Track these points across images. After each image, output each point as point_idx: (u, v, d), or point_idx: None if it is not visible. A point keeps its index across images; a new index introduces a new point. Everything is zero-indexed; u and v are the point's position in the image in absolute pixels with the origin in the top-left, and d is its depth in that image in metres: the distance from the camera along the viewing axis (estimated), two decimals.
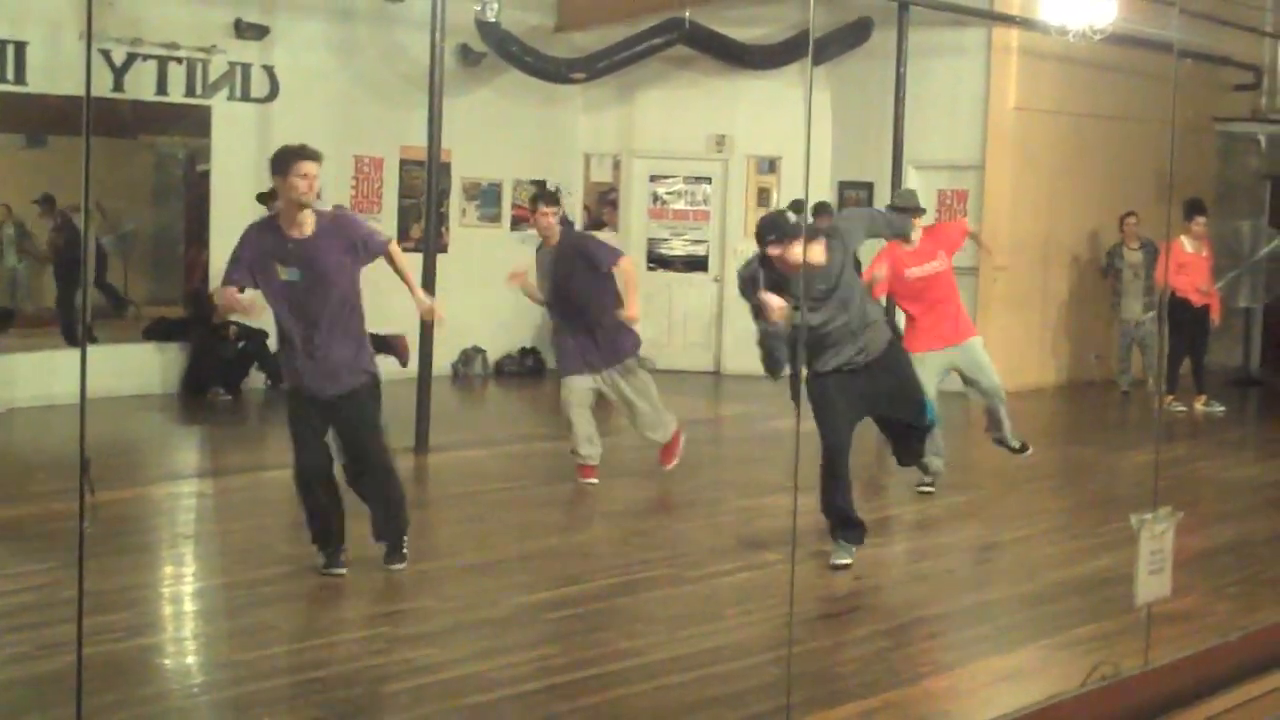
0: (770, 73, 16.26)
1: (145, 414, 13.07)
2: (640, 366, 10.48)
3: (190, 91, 14.03)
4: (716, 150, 17.15)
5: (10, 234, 16.26)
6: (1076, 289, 16.97)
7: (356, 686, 6.13)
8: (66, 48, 12.55)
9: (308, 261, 7.42)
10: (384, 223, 15.03)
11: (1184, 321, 14.83)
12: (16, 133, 15.02)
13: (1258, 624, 6.83)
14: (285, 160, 7.34)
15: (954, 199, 16.02)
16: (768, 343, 8.02)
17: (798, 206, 13.19)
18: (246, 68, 14.33)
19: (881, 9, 15.63)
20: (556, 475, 10.67)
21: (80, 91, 4.21)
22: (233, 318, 13.86)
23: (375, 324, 8.07)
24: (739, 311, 16.44)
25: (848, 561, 8.12)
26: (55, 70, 12.59)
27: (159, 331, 14.50)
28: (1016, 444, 10.58)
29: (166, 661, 6.47)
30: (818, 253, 7.89)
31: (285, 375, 7.80)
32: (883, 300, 10.18)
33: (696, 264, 17.35)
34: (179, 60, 13.86)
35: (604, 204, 17.38)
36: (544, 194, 10.86)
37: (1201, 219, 15.09)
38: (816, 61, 15.98)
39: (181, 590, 7.74)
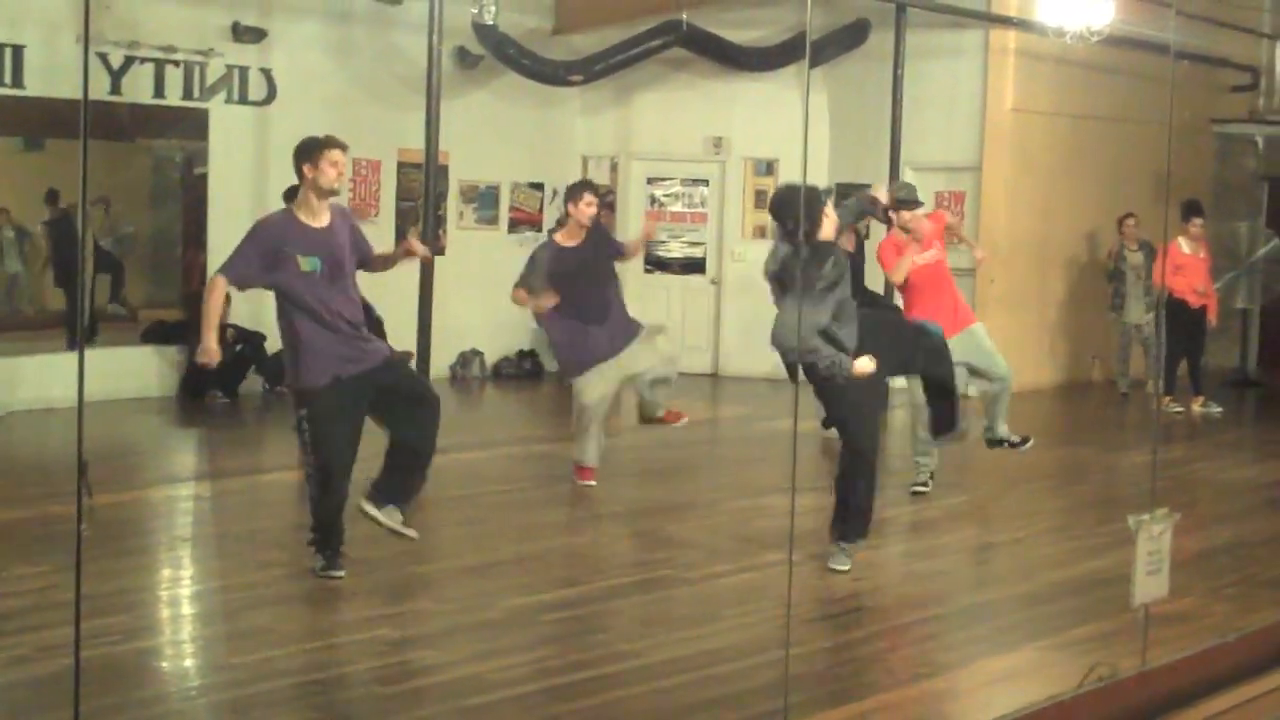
0: (767, 75, 16.26)
1: (143, 417, 13.08)
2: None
3: (188, 94, 14.03)
4: (714, 152, 17.16)
5: (10, 236, 16.24)
6: (1074, 290, 16.98)
7: (355, 688, 6.14)
8: (64, 50, 12.54)
9: (329, 251, 7.51)
10: (382, 225, 15.04)
11: (1181, 323, 14.82)
12: (14, 136, 14.98)
13: (1255, 625, 6.84)
14: (315, 149, 7.49)
15: (951, 200, 16.02)
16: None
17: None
18: (244, 70, 14.33)
19: (879, 11, 15.63)
20: (554, 477, 10.68)
21: (78, 94, 4.20)
22: (231, 320, 13.89)
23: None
24: (737, 313, 16.59)
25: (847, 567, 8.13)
26: (53, 73, 12.58)
27: (157, 334, 14.50)
28: (1016, 438, 10.51)
29: (164, 664, 6.47)
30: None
31: (303, 375, 7.52)
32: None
33: (694, 266, 17.36)
34: (176, 63, 13.86)
35: (601, 206, 17.34)
36: (588, 184, 10.83)
37: (1199, 220, 15.09)
38: (814, 63, 16.00)
39: (179, 593, 7.73)
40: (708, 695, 6.05)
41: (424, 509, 10.05)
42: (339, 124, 15.06)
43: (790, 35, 16.26)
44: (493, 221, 16.73)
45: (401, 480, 7.79)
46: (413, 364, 11.78)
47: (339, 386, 7.48)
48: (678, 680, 6.22)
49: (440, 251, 13.93)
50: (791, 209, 7.72)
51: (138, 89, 13.62)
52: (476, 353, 16.44)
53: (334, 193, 7.57)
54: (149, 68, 13.68)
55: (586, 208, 10.26)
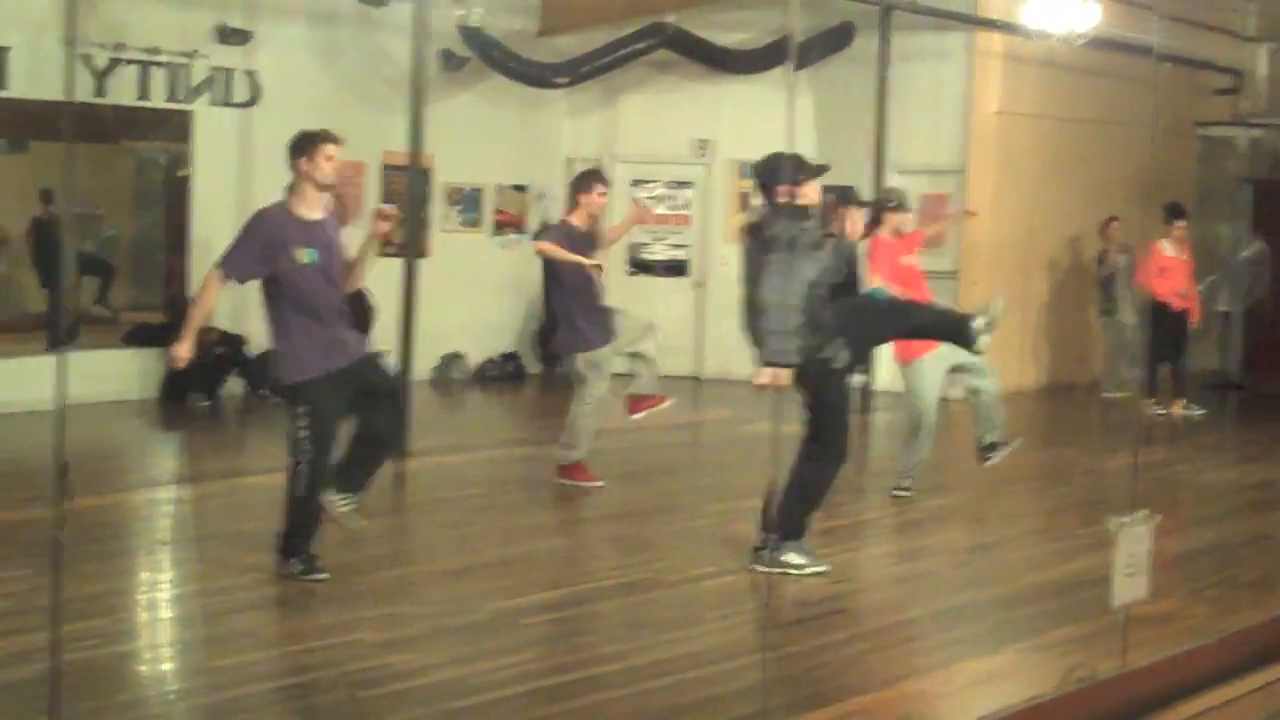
0: (753, 77, 16.27)
1: (124, 420, 13.05)
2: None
3: (172, 96, 14.00)
4: (699, 155, 17.17)
5: None
6: (1057, 292, 17.02)
7: (336, 692, 6.13)
8: (48, 52, 12.49)
9: (324, 243, 7.58)
10: (366, 228, 14.97)
11: (1164, 325, 14.86)
12: None
13: (1235, 626, 6.86)
14: (310, 143, 7.55)
15: (936, 203, 16.04)
16: None
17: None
18: (229, 73, 14.31)
19: (864, 13, 15.64)
20: (537, 480, 10.67)
21: (62, 96, 4.21)
22: (212, 323, 13.85)
23: None
24: (720, 316, 16.58)
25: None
26: (37, 75, 12.55)
27: (139, 337, 14.47)
28: (1013, 442, 10.46)
29: (144, 668, 6.47)
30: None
31: (297, 369, 7.49)
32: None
33: (677, 269, 17.36)
34: (161, 65, 13.83)
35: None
36: (597, 173, 10.77)
37: (1182, 223, 15.13)
38: (799, 66, 15.99)
39: (159, 596, 7.72)
40: (689, 698, 6.05)
41: (406, 512, 10.08)
42: (323, 126, 15.01)
43: (775, 38, 16.26)
44: (477, 224, 16.72)
45: (361, 470, 7.79)
46: (394, 363, 11.83)
47: (330, 379, 7.50)
48: (660, 683, 6.22)
49: (424, 254, 13.91)
50: (776, 173, 7.83)
51: (122, 91, 13.59)
52: (459, 355, 16.42)
53: (330, 186, 7.63)
54: (133, 69, 13.64)
55: (599, 196, 10.31)
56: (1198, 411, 15.00)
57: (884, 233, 10.22)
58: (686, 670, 6.40)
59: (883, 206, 10.36)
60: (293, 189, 7.63)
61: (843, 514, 9.67)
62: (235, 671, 6.23)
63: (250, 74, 14.43)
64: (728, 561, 8.29)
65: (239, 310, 13.08)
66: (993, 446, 10.36)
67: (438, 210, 16.20)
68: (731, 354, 14.09)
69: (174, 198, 15.07)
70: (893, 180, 15.28)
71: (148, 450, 12.52)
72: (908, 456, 10.36)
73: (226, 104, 14.33)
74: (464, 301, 16.10)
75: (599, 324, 10.19)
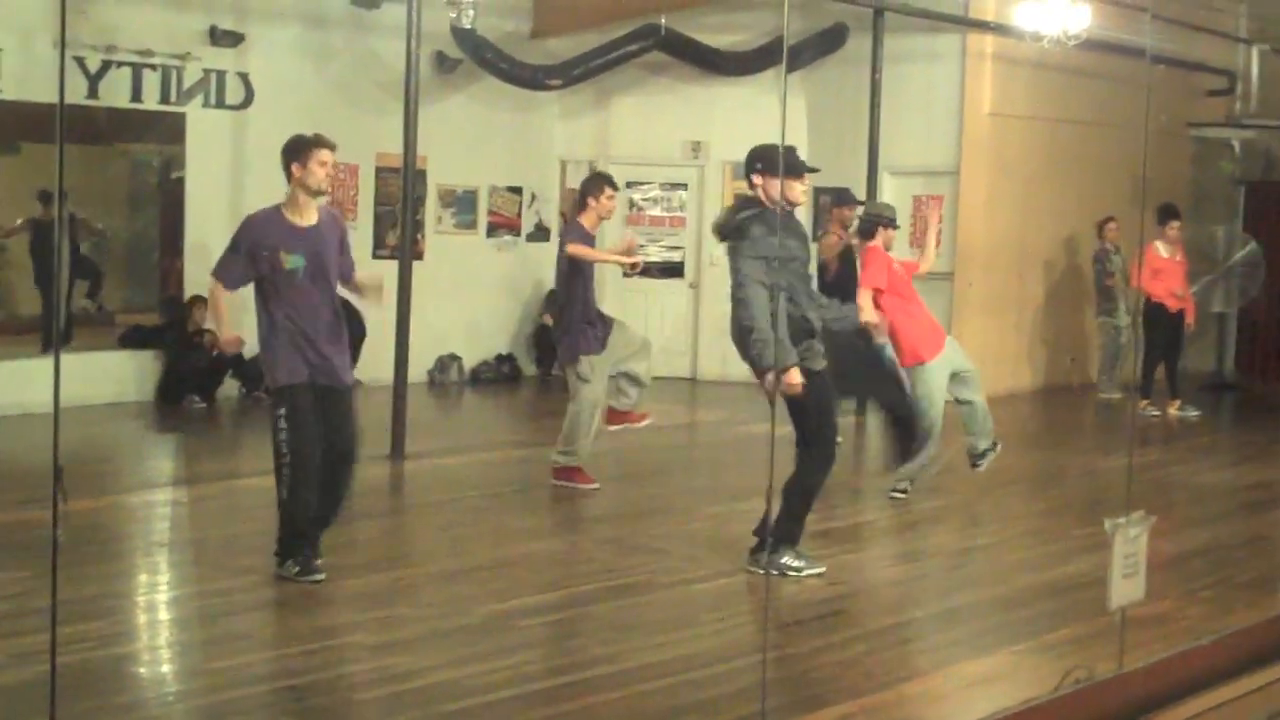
0: (746, 79, 16.28)
1: (120, 422, 13.03)
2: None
3: (165, 98, 13.99)
4: (692, 156, 17.18)
5: None
6: (1052, 293, 17.04)
7: (332, 694, 6.13)
8: (40, 54, 12.51)
9: (314, 251, 7.53)
10: (360, 230, 15.01)
11: (1160, 326, 14.86)
12: None
13: (1231, 627, 6.88)
14: (304, 148, 7.51)
15: (929, 204, 16.05)
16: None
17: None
18: (221, 75, 14.30)
19: (857, 15, 15.67)
20: (533, 482, 10.66)
21: (54, 98, 4.19)
22: (207, 325, 13.84)
23: None
24: (715, 318, 16.57)
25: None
26: (29, 77, 12.53)
27: (134, 339, 14.45)
28: (997, 445, 10.54)
29: (141, 670, 6.45)
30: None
31: (282, 371, 7.51)
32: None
33: (672, 270, 17.36)
34: (154, 67, 13.82)
35: (575, 208, 17.35)
36: (605, 176, 10.74)
37: (1176, 223, 15.14)
38: (791, 68, 16.00)
39: (156, 598, 7.71)
40: (685, 700, 6.05)
41: (401, 514, 10.08)
42: (316, 128, 14.83)
43: (768, 39, 16.27)
44: (471, 226, 16.72)
45: (330, 510, 7.76)
46: (388, 366, 11.83)
47: (311, 388, 7.49)
48: (655, 685, 6.22)
49: (418, 256, 13.93)
50: (767, 162, 7.93)
51: (114, 93, 13.59)
52: (455, 357, 16.42)
53: (322, 193, 7.60)
54: (126, 71, 13.64)
55: (608, 200, 10.31)
56: (1193, 413, 15.02)
57: (877, 243, 10.32)
58: (683, 672, 6.39)
59: (880, 222, 10.42)
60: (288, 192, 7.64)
61: (840, 516, 9.68)
62: (232, 673, 6.23)
63: (243, 76, 14.43)
64: (724, 563, 8.29)
65: (235, 313, 13.03)
66: (984, 454, 10.45)
67: (431, 212, 16.21)
68: (727, 355, 14.09)
69: (168, 199, 15.05)
70: (885, 183, 15.35)
71: (144, 452, 12.50)
72: (910, 460, 10.29)
73: (219, 106, 14.33)
74: (459, 303, 16.10)
75: (597, 330, 10.19)
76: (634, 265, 10.37)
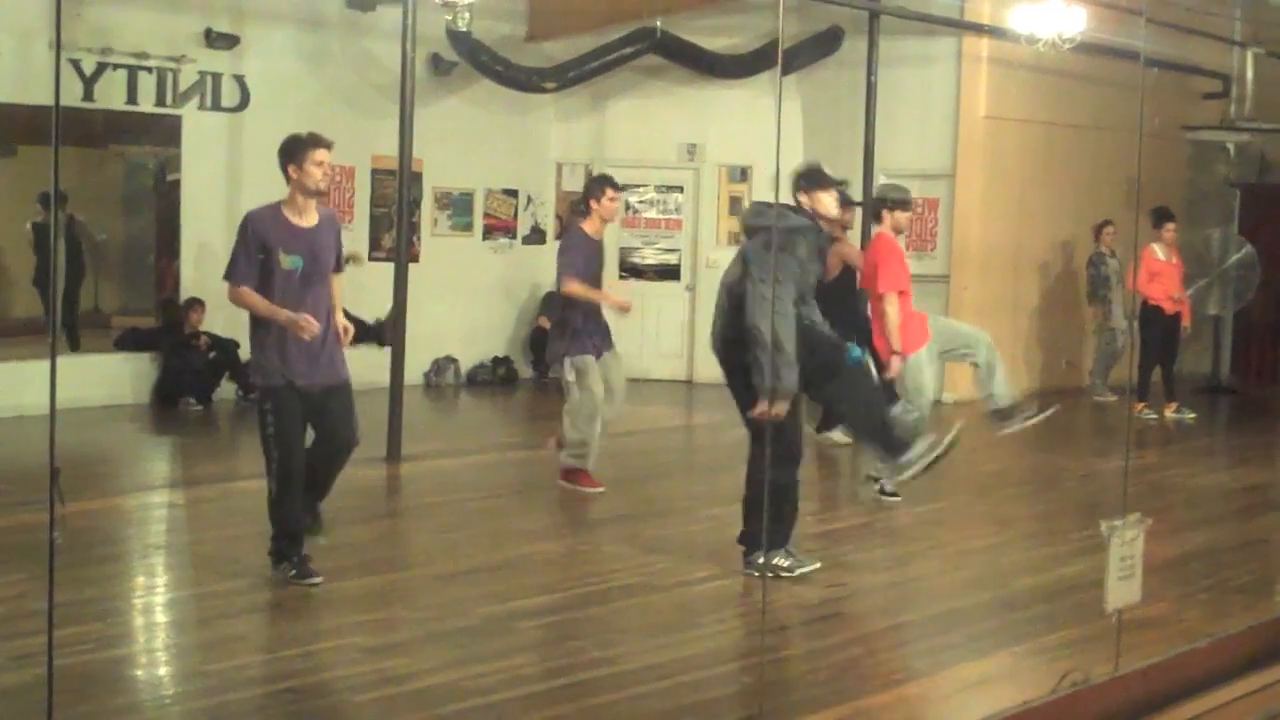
0: (741, 82, 16.30)
1: (116, 424, 13.03)
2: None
3: (160, 101, 13.99)
4: (688, 159, 17.19)
5: None
6: (1047, 297, 17.05)
7: (329, 696, 6.13)
8: (36, 57, 12.50)
9: (312, 251, 7.52)
10: (356, 232, 15.01)
11: (1157, 329, 14.88)
12: None
13: (1227, 630, 6.87)
14: (301, 148, 7.47)
15: (925, 207, 16.06)
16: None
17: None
18: (217, 77, 14.30)
19: (852, 18, 15.69)
20: (530, 484, 10.67)
21: (50, 101, 4.21)
22: (203, 327, 13.86)
23: None
24: (711, 320, 16.55)
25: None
26: (25, 80, 12.52)
27: (130, 341, 14.45)
28: (1029, 412, 10.22)
29: (138, 673, 6.45)
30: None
31: (269, 372, 7.52)
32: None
33: (669, 273, 17.37)
34: (149, 70, 13.82)
35: (576, 213, 17.36)
36: (609, 179, 10.60)
37: (1171, 225, 15.15)
38: (787, 70, 16.03)
39: (153, 601, 7.70)
40: (682, 702, 6.05)
41: (397, 517, 10.07)
42: (312, 130, 15.07)
43: (764, 42, 16.29)
44: (467, 228, 16.72)
45: (318, 495, 7.84)
46: (385, 368, 11.83)
47: (293, 388, 7.50)
48: (653, 687, 6.22)
49: (414, 259, 13.92)
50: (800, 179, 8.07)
51: (110, 95, 13.58)
52: (451, 359, 16.43)
53: (320, 193, 7.56)
54: (122, 74, 13.64)
55: (610, 202, 10.24)
56: (1189, 415, 15.03)
57: (885, 229, 10.06)
58: (681, 674, 6.40)
59: (889, 203, 10.10)
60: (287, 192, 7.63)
61: (837, 518, 9.69)
62: (229, 676, 6.22)
63: (238, 78, 14.43)
64: (722, 566, 8.29)
65: (231, 315, 13.03)
66: (1005, 414, 10.09)
67: (427, 214, 16.21)
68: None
69: (164, 202, 15.04)
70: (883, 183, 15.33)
71: (140, 455, 12.50)
72: (898, 456, 10.21)
73: (215, 108, 14.33)
74: (455, 306, 16.11)
75: (594, 339, 10.15)
76: (625, 308, 10.33)
